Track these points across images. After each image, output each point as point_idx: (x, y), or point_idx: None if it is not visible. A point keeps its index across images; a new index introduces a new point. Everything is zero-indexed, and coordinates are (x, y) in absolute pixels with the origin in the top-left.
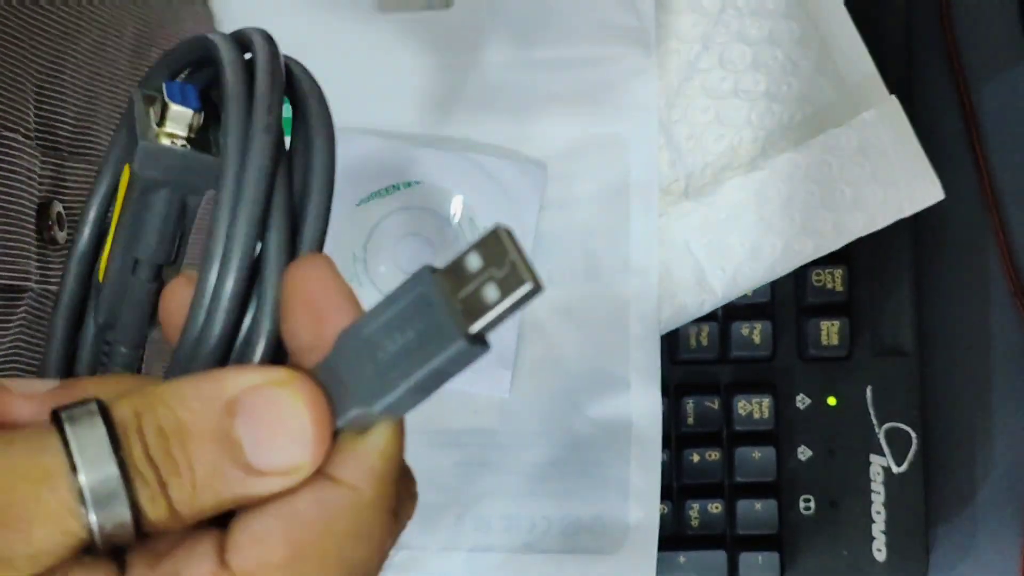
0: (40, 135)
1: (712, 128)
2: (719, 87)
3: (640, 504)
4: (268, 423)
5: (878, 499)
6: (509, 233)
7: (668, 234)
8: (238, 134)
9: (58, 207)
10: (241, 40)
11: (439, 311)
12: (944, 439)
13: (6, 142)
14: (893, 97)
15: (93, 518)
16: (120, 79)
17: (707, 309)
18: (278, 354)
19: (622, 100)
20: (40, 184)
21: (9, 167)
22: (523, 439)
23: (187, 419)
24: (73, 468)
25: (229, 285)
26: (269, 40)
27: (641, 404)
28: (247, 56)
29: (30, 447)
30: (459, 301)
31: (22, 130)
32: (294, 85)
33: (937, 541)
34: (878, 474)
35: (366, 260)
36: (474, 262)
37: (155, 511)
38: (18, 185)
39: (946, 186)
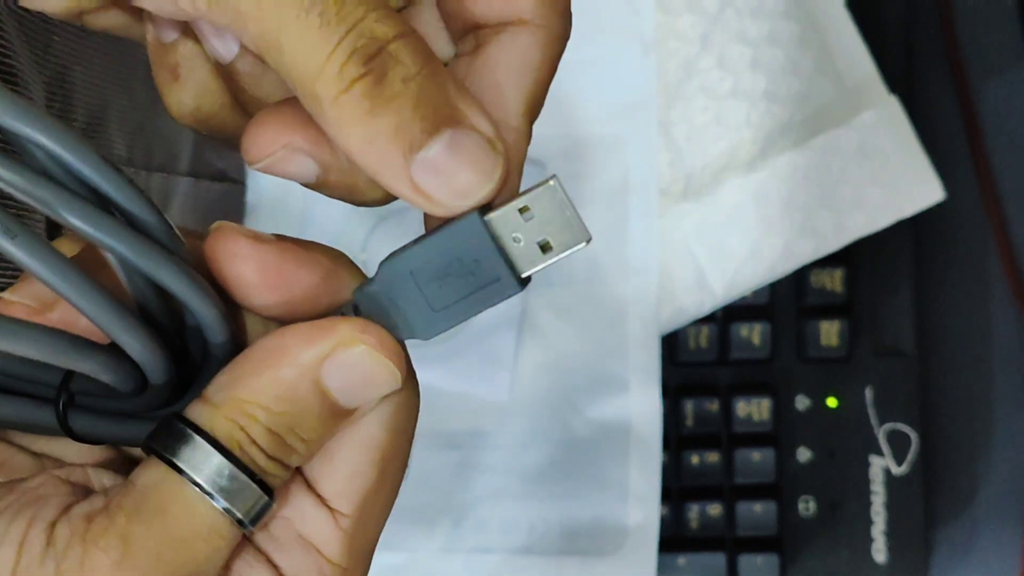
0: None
1: (711, 129)
2: (718, 87)
3: (640, 506)
4: (359, 381)
5: (878, 500)
6: (561, 186)
7: (667, 235)
8: None
9: None
10: None
11: (492, 257)
12: (944, 440)
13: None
14: (893, 97)
15: (245, 525)
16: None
17: (707, 310)
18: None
19: (622, 100)
20: None
21: None
22: (522, 441)
23: (290, 411)
24: (209, 495)
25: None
26: None
27: (640, 405)
28: None
29: (170, 508)
30: (510, 245)
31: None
32: None
33: (937, 542)
34: (878, 475)
35: (365, 262)
36: (528, 214)
37: (282, 480)
38: None
39: (946, 186)
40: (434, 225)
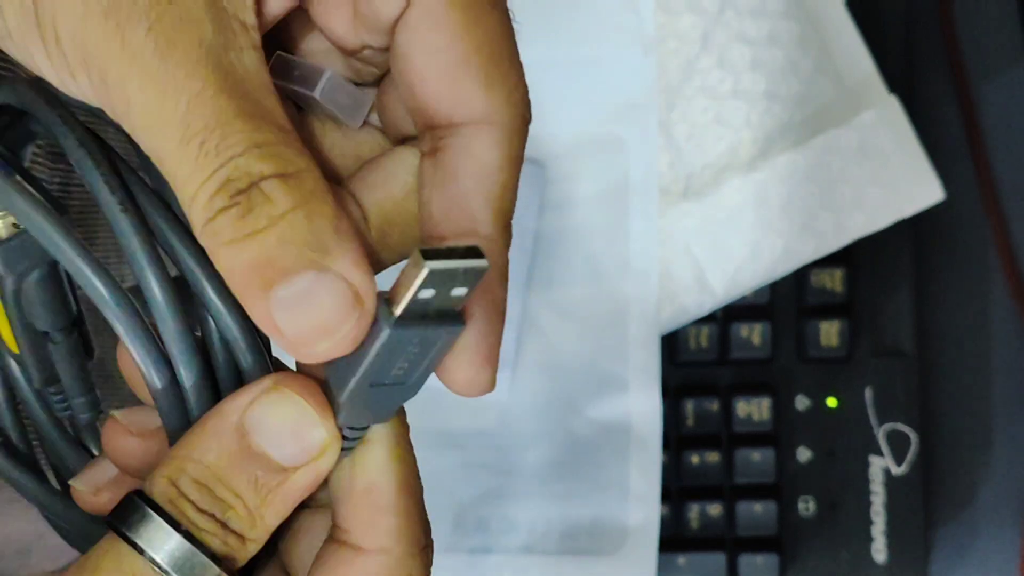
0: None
1: (712, 129)
2: (719, 88)
3: (640, 506)
4: (276, 425)
5: (878, 500)
6: (429, 251)
7: (668, 235)
8: (102, 191)
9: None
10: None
11: (426, 333)
12: (944, 440)
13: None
14: (893, 97)
15: None
16: None
17: (707, 310)
18: (256, 357)
19: (622, 100)
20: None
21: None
22: (522, 440)
23: (212, 461)
24: (156, 565)
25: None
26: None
27: (640, 405)
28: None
29: (112, 567)
30: (432, 315)
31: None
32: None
33: (937, 542)
34: (878, 475)
35: None
36: (426, 293)
37: (230, 548)
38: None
39: (946, 186)
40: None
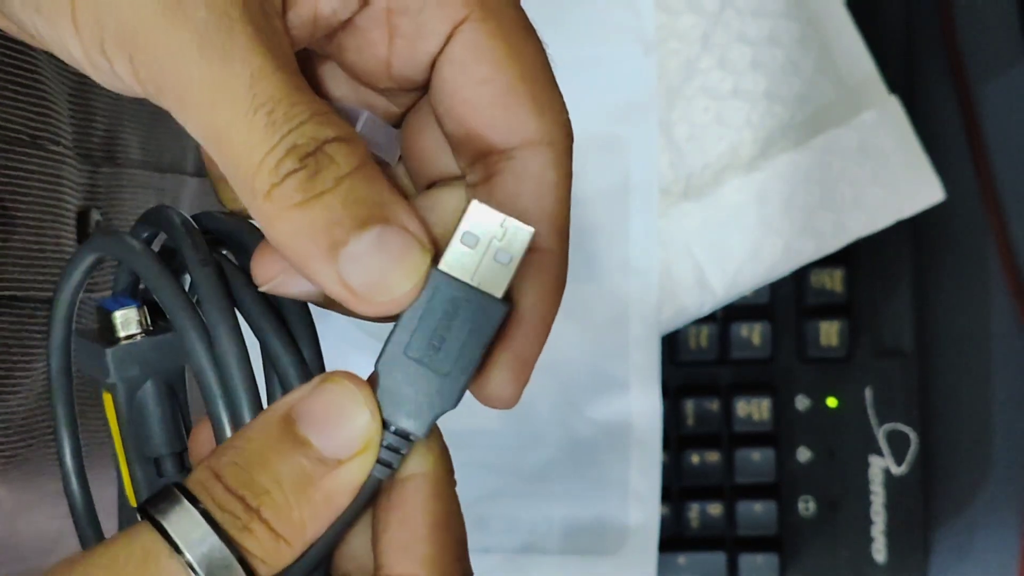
0: (77, 144)
1: (712, 129)
2: (719, 88)
3: (640, 505)
4: (325, 414)
5: (878, 500)
6: (482, 201)
7: (668, 235)
8: (175, 298)
9: (96, 215)
10: (151, 222)
11: (468, 296)
12: (944, 439)
13: (55, 155)
14: (893, 97)
15: None
16: None
17: (707, 310)
18: None
19: (622, 100)
20: (78, 192)
21: (56, 178)
22: (523, 440)
23: (255, 445)
24: (177, 549)
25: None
26: (171, 216)
27: (641, 405)
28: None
29: (133, 554)
30: (473, 276)
31: (64, 142)
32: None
33: (937, 542)
34: (878, 475)
35: None
36: (469, 239)
37: (257, 542)
38: (65, 195)
39: (946, 186)
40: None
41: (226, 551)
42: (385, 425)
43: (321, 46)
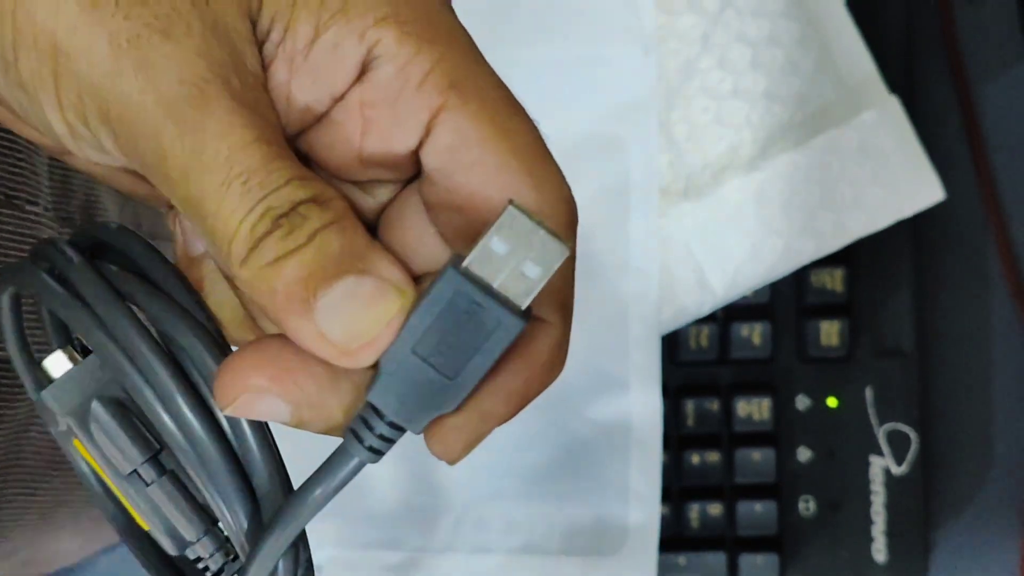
0: (56, 206)
1: (712, 129)
2: (719, 88)
3: (640, 506)
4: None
5: (878, 500)
6: (521, 208)
7: (668, 235)
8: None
9: None
10: (43, 257)
11: (486, 304)
12: (944, 439)
13: (31, 216)
14: (894, 97)
15: None
16: None
17: (707, 310)
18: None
19: (622, 100)
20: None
21: (32, 239)
22: (522, 441)
23: None
24: None
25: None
26: (65, 248)
27: (641, 406)
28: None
29: None
30: (496, 283)
31: (42, 203)
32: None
33: (937, 542)
34: (878, 475)
35: None
36: (499, 246)
37: None
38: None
39: (946, 186)
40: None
41: None
42: (379, 415)
43: (293, 143)
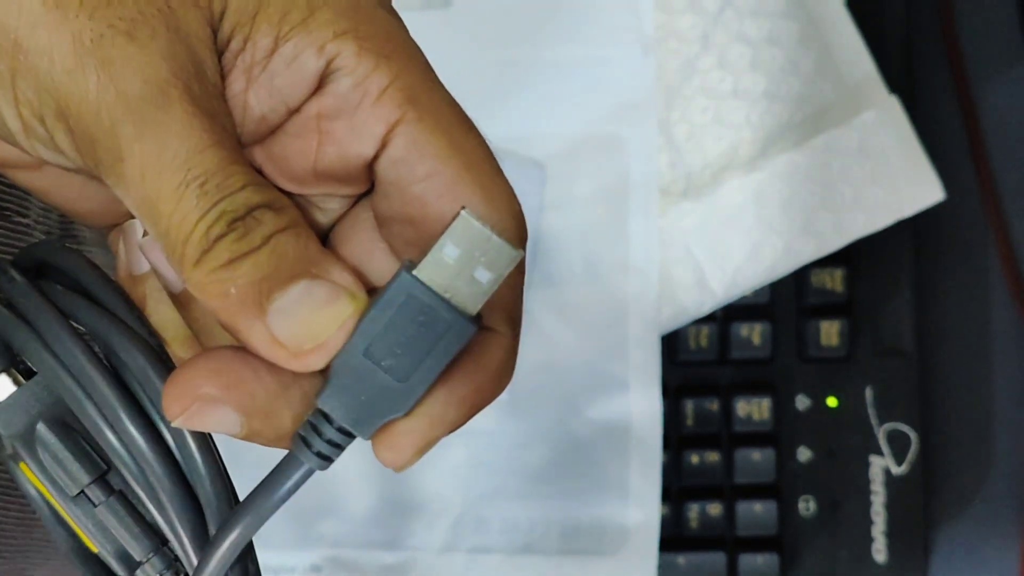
0: (45, 218)
1: (712, 128)
2: (719, 87)
3: (640, 506)
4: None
5: (878, 500)
6: (471, 215)
7: (668, 235)
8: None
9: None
10: None
11: (438, 308)
12: (944, 440)
13: (20, 227)
14: (893, 97)
15: None
16: None
17: (707, 310)
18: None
19: (622, 100)
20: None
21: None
22: (522, 440)
23: None
24: None
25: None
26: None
27: (640, 405)
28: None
29: None
30: (447, 289)
31: (32, 215)
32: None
33: (937, 542)
34: (878, 475)
35: None
36: (452, 251)
37: None
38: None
39: (946, 186)
40: None
41: None
42: (329, 420)
43: (248, 154)
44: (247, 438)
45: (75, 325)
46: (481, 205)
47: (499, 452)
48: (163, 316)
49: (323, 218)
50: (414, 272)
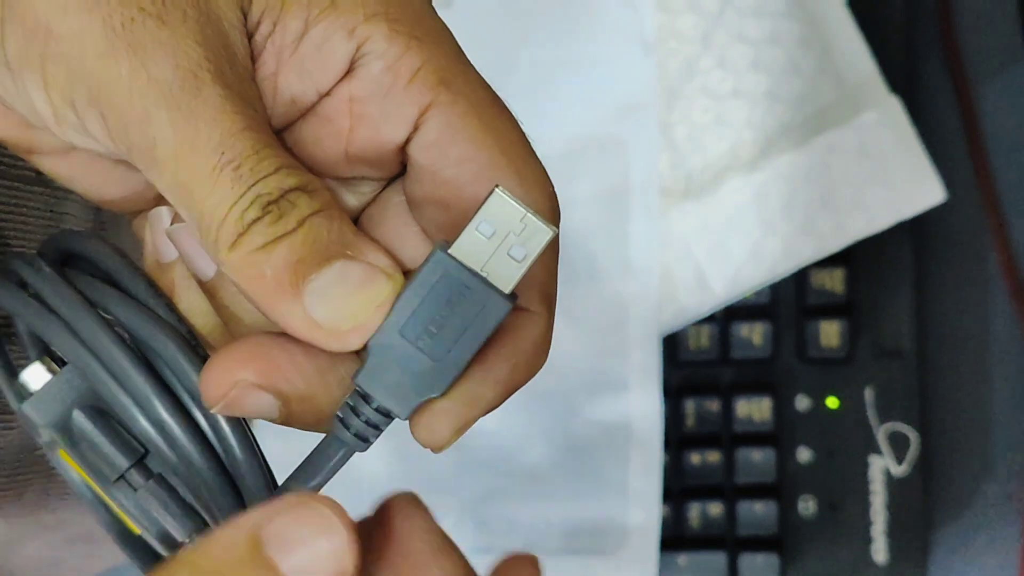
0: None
1: (712, 129)
2: (719, 88)
3: (640, 506)
4: (297, 539)
5: (878, 500)
6: (506, 192)
7: (668, 235)
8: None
9: None
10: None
11: (473, 286)
12: (944, 440)
13: (59, 194)
14: (894, 98)
15: None
16: None
17: (707, 310)
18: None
19: (622, 100)
20: (49, 223)
21: (60, 215)
22: (522, 440)
23: (217, 564)
24: None
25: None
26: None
27: (640, 406)
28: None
29: None
30: (483, 266)
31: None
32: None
33: (937, 542)
34: (878, 475)
35: None
36: (486, 229)
37: None
38: (34, 223)
39: (946, 186)
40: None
41: None
42: (367, 400)
43: (280, 137)
44: (285, 422)
45: (104, 314)
46: (516, 187)
47: (499, 452)
48: (191, 304)
49: (355, 200)
50: (449, 251)
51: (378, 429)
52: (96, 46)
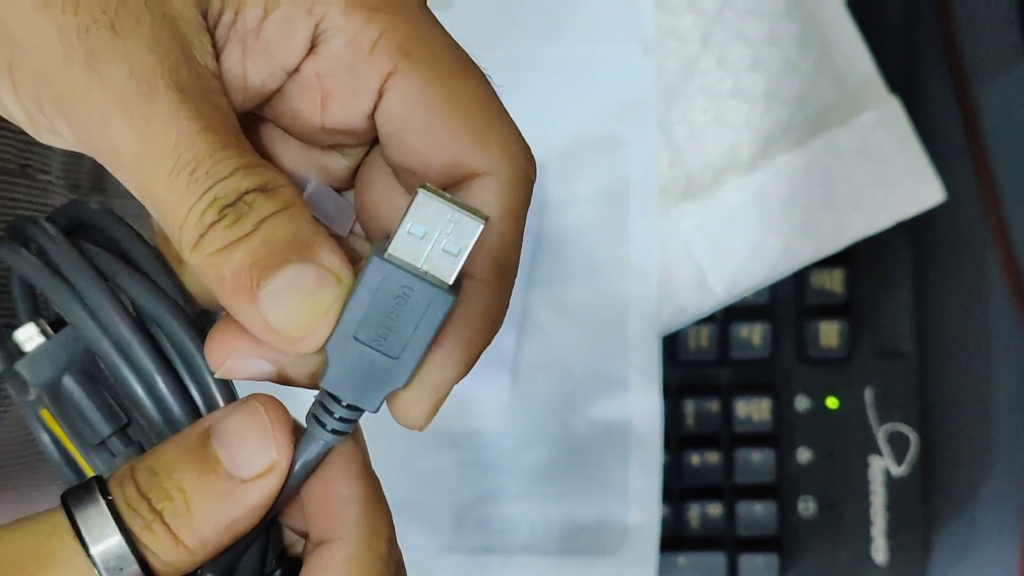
0: (66, 174)
1: (712, 129)
2: (719, 88)
3: (640, 506)
4: (238, 435)
5: (877, 501)
6: (432, 188)
7: (668, 235)
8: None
9: None
10: (22, 237)
11: (414, 285)
12: (944, 440)
13: (42, 184)
14: (894, 98)
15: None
16: None
17: (707, 310)
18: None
19: (622, 100)
20: (34, 215)
21: (44, 206)
22: (522, 440)
23: (171, 454)
24: (83, 543)
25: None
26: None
27: (640, 405)
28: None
29: (41, 531)
30: (421, 264)
31: (54, 171)
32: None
33: (937, 542)
34: (878, 476)
35: None
36: (417, 229)
37: (157, 542)
38: (19, 215)
39: (946, 186)
40: None
41: (125, 546)
42: (337, 400)
43: (260, 112)
44: (284, 383)
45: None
46: (474, 152)
47: (499, 452)
48: (196, 276)
49: (348, 160)
50: (384, 255)
51: (352, 422)
52: (54, 56)
